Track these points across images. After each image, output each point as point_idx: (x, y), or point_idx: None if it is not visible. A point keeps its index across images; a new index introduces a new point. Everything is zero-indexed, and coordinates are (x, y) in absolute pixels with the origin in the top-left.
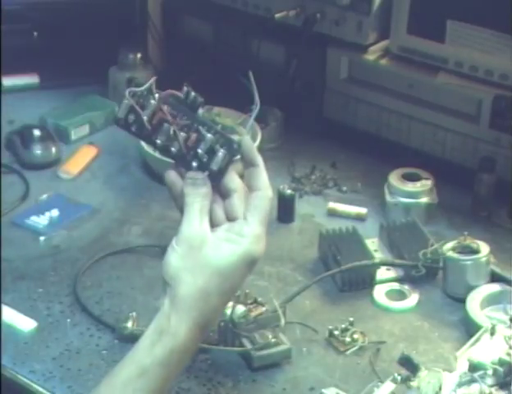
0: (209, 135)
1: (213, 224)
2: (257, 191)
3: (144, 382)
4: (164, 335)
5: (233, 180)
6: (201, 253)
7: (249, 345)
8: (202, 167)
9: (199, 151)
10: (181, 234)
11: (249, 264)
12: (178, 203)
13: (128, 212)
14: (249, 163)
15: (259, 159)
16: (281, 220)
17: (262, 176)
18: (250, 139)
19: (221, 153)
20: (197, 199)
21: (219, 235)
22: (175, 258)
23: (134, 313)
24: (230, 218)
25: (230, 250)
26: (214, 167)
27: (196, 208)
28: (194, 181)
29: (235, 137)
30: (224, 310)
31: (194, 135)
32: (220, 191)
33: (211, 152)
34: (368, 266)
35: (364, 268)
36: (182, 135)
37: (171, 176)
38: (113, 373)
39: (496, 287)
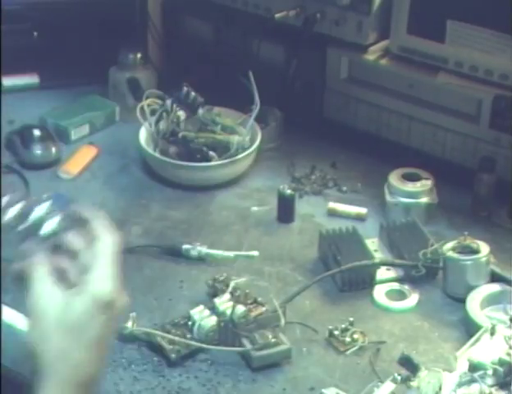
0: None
1: None
2: (97, 241)
3: None
4: None
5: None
6: (43, 321)
7: (249, 345)
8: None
9: None
10: None
11: (101, 307)
12: None
13: (128, 212)
14: (80, 224)
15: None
16: (281, 220)
17: (101, 239)
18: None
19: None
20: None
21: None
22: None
23: (134, 314)
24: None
25: (67, 305)
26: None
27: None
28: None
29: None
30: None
31: None
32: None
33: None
34: (368, 266)
35: (364, 267)
36: None
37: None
38: None
39: (496, 287)
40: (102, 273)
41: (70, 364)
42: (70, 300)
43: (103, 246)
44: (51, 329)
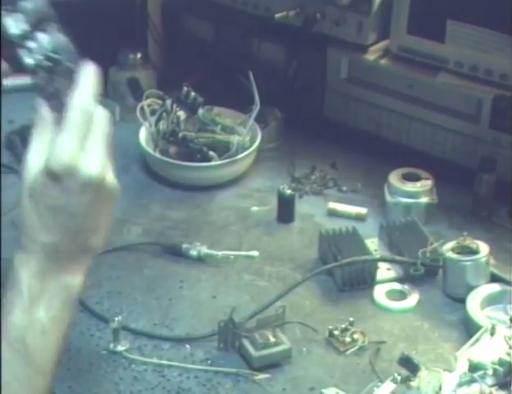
0: None
1: None
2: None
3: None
4: (15, 278)
5: None
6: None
7: (249, 345)
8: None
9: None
10: None
11: (54, 178)
12: None
13: (128, 212)
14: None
15: (83, 76)
16: (281, 220)
17: (77, 89)
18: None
19: None
20: (36, 126)
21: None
22: None
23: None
24: None
25: (32, 170)
26: None
27: (35, 141)
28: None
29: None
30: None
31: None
32: None
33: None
34: (368, 261)
35: (364, 263)
36: None
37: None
38: None
39: (496, 287)
40: (95, 152)
41: (29, 228)
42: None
43: (98, 120)
44: (38, 200)
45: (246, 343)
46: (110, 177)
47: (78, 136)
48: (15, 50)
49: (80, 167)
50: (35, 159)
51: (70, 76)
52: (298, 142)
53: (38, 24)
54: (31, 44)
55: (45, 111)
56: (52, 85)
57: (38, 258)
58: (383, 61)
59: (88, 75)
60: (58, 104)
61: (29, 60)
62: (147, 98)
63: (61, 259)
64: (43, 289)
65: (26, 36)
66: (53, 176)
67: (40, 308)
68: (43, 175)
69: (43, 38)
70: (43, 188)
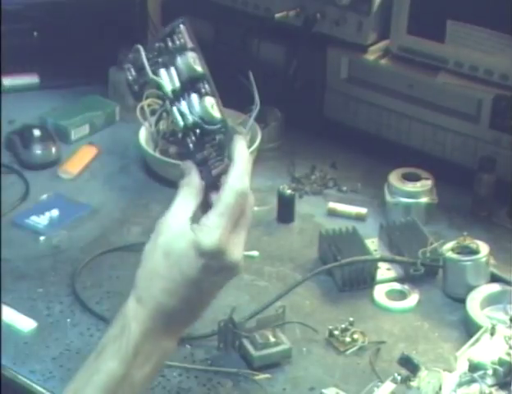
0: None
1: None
2: (223, 187)
3: (126, 388)
4: (125, 327)
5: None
6: (159, 237)
7: (249, 345)
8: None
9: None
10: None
11: (200, 255)
12: None
13: (128, 212)
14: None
15: (238, 154)
16: (281, 220)
17: (235, 169)
18: (245, 140)
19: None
20: (183, 188)
21: (182, 223)
22: (147, 244)
23: None
24: None
25: (179, 234)
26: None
27: (180, 196)
28: (182, 172)
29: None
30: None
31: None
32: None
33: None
34: (368, 261)
35: (364, 263)
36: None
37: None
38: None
39: (496, 287)
40: (215, 223)
41: (157, 288)
42: (174, 230)
43: (226, 191)
44: (153, 247)
45: (246, 343)
46: (243, 262)
47: (232, 219)
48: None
49: (227, 252)
50: (178, 221)
51: (220, 148)
52: (298, 142)
53: (191, 83)
54: (183, 105)
55: (195, 176)
56: (202, 152)
57: (152, 315)
58: (383, 61)
59: (243, 154)
60: (205, 173)
61: (180, 121)
62: (147, 98)
63: (171, 324)
64: (146, 346)
65: (179, 95)
66: (199, 251)
67: (138, 364)
68: (188, 243)
69: (195, 101)
70: (182, 254)
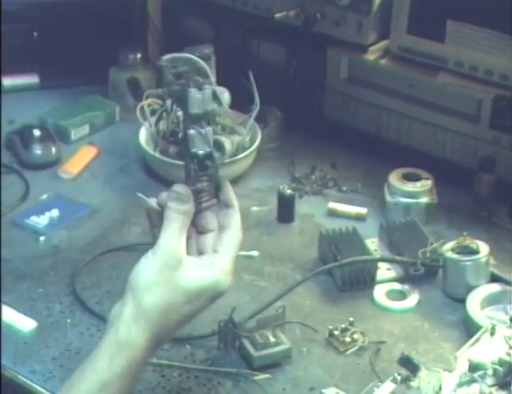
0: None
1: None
2: (230, 230)
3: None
4: (123, 347)
5: (212, 221)
6: (175, 273)
7: (249, 346)
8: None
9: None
10: (159, 248)
11: (214, 294)
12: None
13: (128, 212)
14: (225, 204)
15: (235, 201)
16: (281, 220)
17: (236, 216)
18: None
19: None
20: (180, 215)
21: (193, 260)
22: (148, 270)
23: None
24: (202, 252)
25: (200, 276)
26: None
27: (177, 224)
28: (179, 196)
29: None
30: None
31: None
32: (196, 226)
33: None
34: (368, 261)
35: (364, 263)
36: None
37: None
38: (72, 385)
39: (496, 287)
40: (230, 267)
41: (169, 324)
42: (193, 269)
43: (235, 239)
44: (169, 283)
45: (246, 343)
46: None
47: (235, 256)
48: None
49: (227, 286)
50: (167, 244)
51: (210, 182)
52: (298, 142)
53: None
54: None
55: (193, 206)
56: (201, 183)
57: (157, 344)
58: (383, 61)
59: (236, 201)
60: (196, 203)
61: (200, 149)
62: (147, 98)
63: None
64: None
65: (198, 121)
66: (217, 292)
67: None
68: (209, 285)
69: (210, 133)
70: (202, 294)
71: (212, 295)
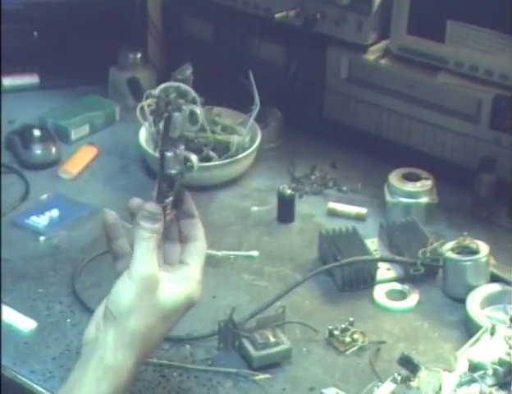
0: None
1: None
2: (197, 241)
3: None
4: (109, 372)
5: (175, 229)
6: (154, 295)
7: (249, 345)
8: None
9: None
10: (136, 272)
11: (189, 306)
12: (121, 242)
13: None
14: (187, 214)
15: (196, 212)
16: (281, 220)
17: (200, 226)
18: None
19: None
20: (153, 235)
21: (167, 276)
22: (128, 296)
23: None
24: (167, 260)
25: (176, 292)
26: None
27: (151, 244)
28: (152, 215)
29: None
30: None
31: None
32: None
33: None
34: (368, 261)
35: (364, 263)
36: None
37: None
38: None
39: (496, 287)
40: (200, 277)
41: (151, 345)
42: (168, 287)
43: (202, 249)
44: (150, 305)
45: (246, 343)
46: None
47: (203, 266)
48: None
49: (199, 296)
50: (145, 267)
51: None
52: (298, 142)
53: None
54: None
55: (163, 223)
56: (169, 199)
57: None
58: (383, 61)
59: (194, 205)
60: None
61: (172, 169)
62: (147, 98)
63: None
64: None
65: (175, 143)
66: (191, 303)
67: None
68: (185, 300)
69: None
70: (178, 310)
71: (187, 307)
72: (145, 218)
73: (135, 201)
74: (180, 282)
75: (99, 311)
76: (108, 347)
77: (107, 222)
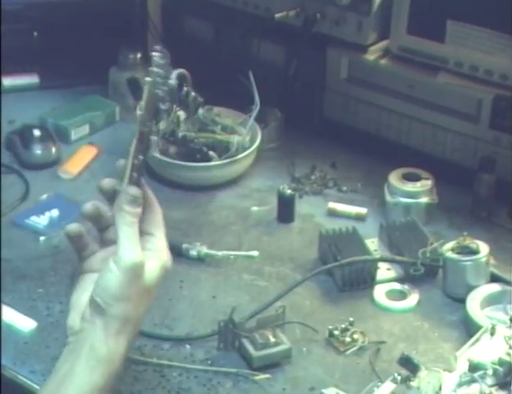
0: None
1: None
2: (152, 208)
3: None
4: (102, 361)
5: None
6: (142, 279)
7: (249, 345)
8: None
9: None
10: (124, 260)
11: (164, 275)
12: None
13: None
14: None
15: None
16: (281, 220)
17: (151, 193)
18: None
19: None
20: (135, 219)
21: (145, 254)
22: (117, 284)
23: None
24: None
25: (154, 268)
26: None
27: (134, 229)
28: (135, 199)
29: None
30: None
31: None
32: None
33: None
34: (368, 261)
35: (364, 263)
36: None
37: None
38: None
39: (496, 287)
40: (166, 244)
41: (139, 326)
42: (148, 264)
43: (160, 214)
44: (141, 291)
45: (246, 343)
46: None
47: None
48: None
49: (171, 261)
50: (133, 254)
51: None
52: (298, 142)
53: None
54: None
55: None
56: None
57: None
58: (383, 61)
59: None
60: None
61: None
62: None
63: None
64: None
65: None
66: (167, 270)
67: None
68: (161, 271)
69: None
70: (159, 283)
71: (163, 277)
72: (129, 202)
73: (107, 182)
74: (155, 256)
75: (81, 299)
76: (98, 337)
77: (73, 233)
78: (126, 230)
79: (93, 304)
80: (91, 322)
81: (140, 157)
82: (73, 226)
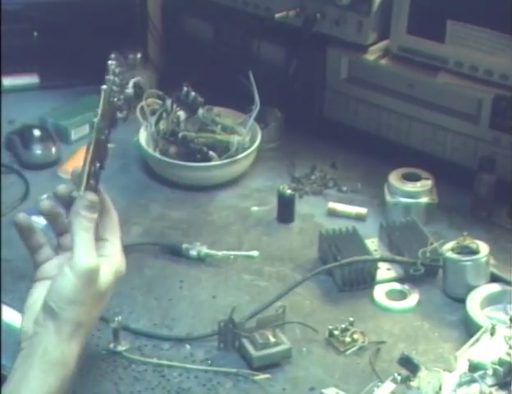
0: None
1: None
2: (108, 213)
3: None
4: (56, 365)
5: None
6: (97, 284)
7: (249, 345)
8: None
9: None
10: (80, 265)
11: (118, 279)
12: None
13: (128, 212)
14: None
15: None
16: (281, 220)
17: (107, 198)
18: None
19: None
20: (92, 224)
21: (100, 260)
22: (71, 288)
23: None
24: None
25: (108, 273)
26: None
27: (91, 234)
28: (92, 204)
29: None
30: None
31: None
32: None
33: None
34: (368, 261)
35: (364, 263)
36: None
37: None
38: None
39: (496, 287)
40: (119, 247)
41: (92, 329)
42: (102, 270)
43: (115, 219)
44: (95, 296)
45: (246, 343)
46: None
47: (120, 235)
48: None
49: (125, 266)
50: (88, 258)
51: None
52: (298, 142)
53: None
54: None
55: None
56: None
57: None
58: (383, 61)
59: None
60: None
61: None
62: (147, 98)
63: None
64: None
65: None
66: (120, 274)
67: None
68: (114, 275)
69: None
70: (112, 286)
71: (117, 280)
72: (86, 208)
73: (64, 188)
74: (109, 261)
75: (35, 305)
76: (51, 341)
77: (29, 229)
78: (82, 234)
79: (47, 309)
80: (44, 326)
81: (97, 164)
82: (24, 217)
